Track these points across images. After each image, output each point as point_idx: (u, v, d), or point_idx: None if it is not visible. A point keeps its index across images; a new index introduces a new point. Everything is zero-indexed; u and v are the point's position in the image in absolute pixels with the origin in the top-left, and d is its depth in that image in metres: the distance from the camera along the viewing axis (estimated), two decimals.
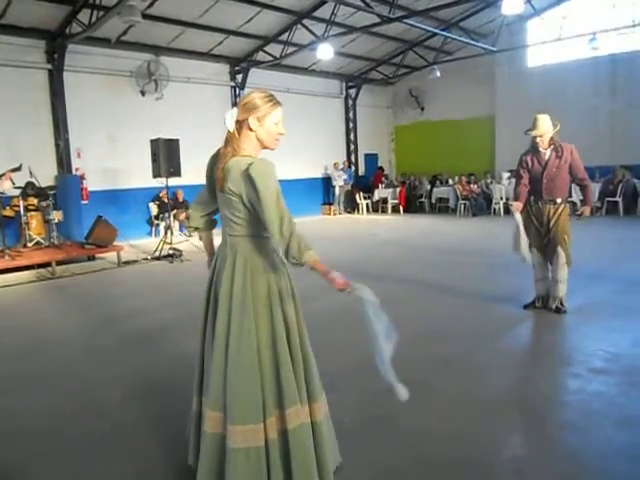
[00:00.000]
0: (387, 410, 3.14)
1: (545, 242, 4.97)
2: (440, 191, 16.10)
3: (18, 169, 8.29)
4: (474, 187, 15.09)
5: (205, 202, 2.48)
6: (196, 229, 2.53)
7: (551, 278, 5.03)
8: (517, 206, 4.96)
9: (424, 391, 3.39)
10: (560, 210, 4.90)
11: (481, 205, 14.87)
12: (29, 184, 9.34)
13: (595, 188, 13.15)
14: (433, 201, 16.33)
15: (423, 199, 16.70)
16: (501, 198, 14.30)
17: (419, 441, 2.88)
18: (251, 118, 2.22)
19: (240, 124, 2.25)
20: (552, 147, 4.90)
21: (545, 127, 4.82)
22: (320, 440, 2.31)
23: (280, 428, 2.23)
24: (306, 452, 2.23)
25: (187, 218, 2.53)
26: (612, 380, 3.55)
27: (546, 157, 4.90)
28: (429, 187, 16.60)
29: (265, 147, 2.30)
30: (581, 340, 4.41)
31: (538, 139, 4.87)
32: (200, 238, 2.59)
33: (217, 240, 2.47)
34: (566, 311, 5.00)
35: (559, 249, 4.87)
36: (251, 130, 2.23)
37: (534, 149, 4.97)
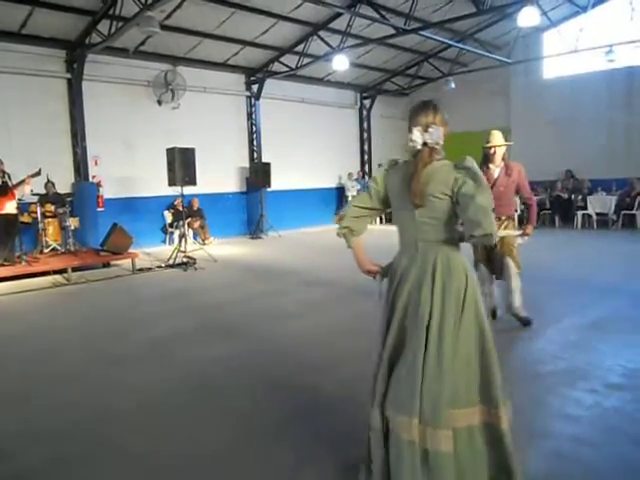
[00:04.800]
0: None
1: (492, 256, 4.98)
2: None
3: (37, 174, 8.42)
4: None
5: (366, 208, 2.56)
6: (351, 232, 2.58)
7: (506, 290, 5.03)
8: None
9: None
10: (505, 225, 4.91)
11: None
12: (49, 183, 9.51)
13: (611, 201, 13.05)
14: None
15: None
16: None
17: None
18: (444, 130, 2.40)
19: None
20: (502, 165, 4.91)
21: (501, 141, 4.87)
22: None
23: (484, 422, 2.30)
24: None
25: (341, 219, 2.58)
26: (629, 396, 3.50)
27: (495, 175, 4.90)
28: None
29: None
30: (596, 355, 4.35)
31: (492, 152, 4.87)
32: (348, 242, 2.62)
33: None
34: (530, 321, 4.99)
35: (507, 259, 4.88)
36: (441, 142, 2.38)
37: (484, 165, 4.93)
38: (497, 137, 4.91)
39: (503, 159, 4.94)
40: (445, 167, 2.32)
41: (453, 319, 2.25)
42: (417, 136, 2.32)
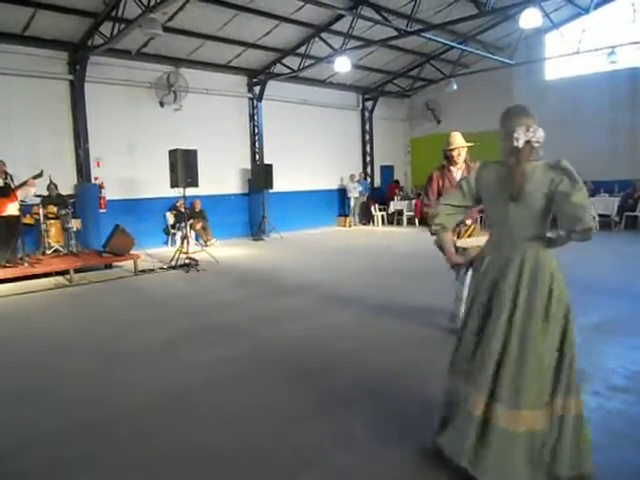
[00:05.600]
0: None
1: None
2: None
3: (40, 175, 8.44)
4: None
5: (458, 206, 2.73)
6: (443, 228, 2.78)
7: (456, 297, 4.90)
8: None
9: None
10: (471, 230, 4.84)
11: None
12: (51, 184, 9.54)
13: (614, 202, 13.02)
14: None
15: None
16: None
17: None
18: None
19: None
20: (464, 167, 4.80)
21: (463, 142, 4.75)
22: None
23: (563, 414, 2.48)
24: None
25: (434, 217, 2.77)
26: (632, 398, 3.49)
27: (457, 177, 4.78)
28: None
29: None
30: (600, 357, 4.33)
31: (457, 154, 4.74)
32: (440, 237, 2.81)
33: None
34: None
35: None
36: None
37: (445, 167, 4.86)
38: (459, 139, 4.78)
39: (465, 161, 4.81)
40: (542, 167, 2.47)
41: (539, 313, 2.43)
42: (520, 134, 2.46)
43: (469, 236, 4.83)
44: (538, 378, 2.43)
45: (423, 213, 5.03)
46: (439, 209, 2.76)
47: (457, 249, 4.80)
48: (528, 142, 2.46)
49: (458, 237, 4.78)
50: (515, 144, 2.47)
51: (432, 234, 2.86)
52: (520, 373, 2.43)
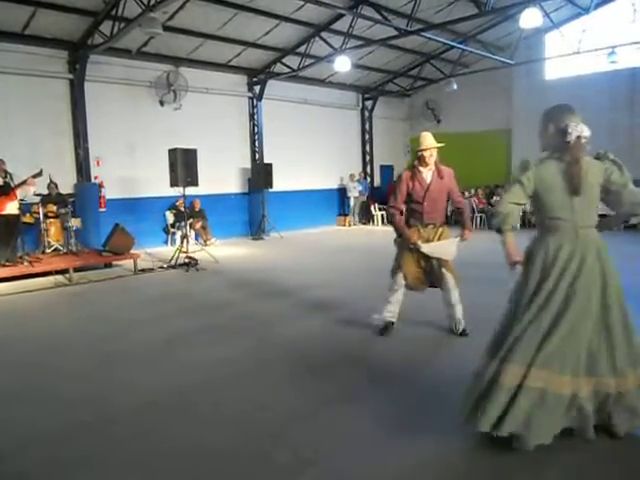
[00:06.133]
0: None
1: (427, 268, 4.78)
2: None
3: (39, 175, 8.42)
4: (496, 198, 15.00)
5: (521, 204, 2.88)
6: (512, 227, 2.92)
7: (445, 302, 4.84)
8: (413, 237, 4.67)
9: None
10: (440, 232, 4.73)
11: None
12: (51, 183, 9.55)
13: None
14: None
15: None
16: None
17: None
18: None
19: None
20: (434, 169, 4.69)
21: (434, 143, 4.63)
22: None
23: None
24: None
25: (507, 216, 2.86)
26: None
27: (428, 179, 4.68)
28: None
29: None
30: None
31: (429, 155, 4.61)
32: (504, 237, 2.93)
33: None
34: (468, 334, 4.80)
35: (444, 271, 4.69)
36: None
37: (416, 168, 4.71)
38: (430, 139, 4.64)
39: (435, 162, 4.68)
40: (593, 160, 2.76)
41: (612, 290, 2.75)
42: (573, 130, 2.68)
43: (439, 239, 4.71)
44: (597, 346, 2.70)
45: (389, 215, 4.93)
46: (510, 208, 2.84)
47: (419, 255, 4.70)
48: (578, 137, 2.68)
49: (427, 241, 4.67)
50: (567, 139, 2.68)
51: (498, 232, 2.93)
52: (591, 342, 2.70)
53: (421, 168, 4.69)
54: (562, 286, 2.70)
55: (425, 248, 4.63)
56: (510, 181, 2.90)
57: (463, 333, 4.84)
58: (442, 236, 4.74)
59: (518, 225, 4.75)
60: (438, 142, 4.70)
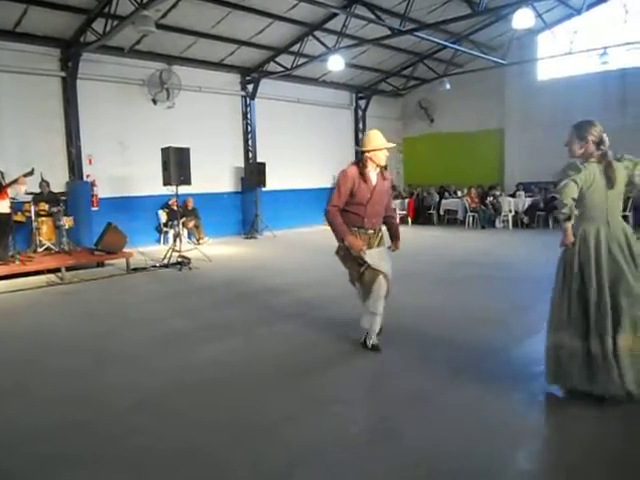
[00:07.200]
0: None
1: (363, 277, 4.36)
2: (448, 203, 16.09)
3: (31, 173, 8.37)
4: (490, 199, 15.05)
5: (575, 199, 3.33)
6: (570, 217, 3.38)
7: (364, 307, 4.45)
8: (357, 245, 4.19)
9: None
10: (379, 239, 4.43)
11: (489, 217, 14.85)
12: (43, 182, 9.50)
13: None
14: (441, 213, 16.31)
15: (432, 210, 16.69)
16: (510, 211, 14.31)
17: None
18: None
19: None
20: (379, 170, 4.38)
21: (386, 143, 4.36)
22: None
23: None
24: None
25: (566, 207, 3.31)
26: None
27: (374, 181, 4.32)
28: (437, 199, 16.60)
29: None
30: None
31: (382, 156, 4.34)
32: (564, 225, 3.40)
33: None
34: (375, 347, 4.40)
35: (379, 280, 4.27)
36: None
37: (363, 165, 4.32)
38: (382, 138, 4.34)
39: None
40: (617, 161, 3.41)
41: (631, 263, 3.32)
42: (606, 140, 3.40)
43: (378, 244, 4.40)
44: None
45: (328, 216, 4.31)
46: (571, 202, 3.32)
47: (364, 263, 4.24)
48: (608, 146, 3.38)
49: (369, 247, 4.30)
50: (603, 148, 3.38)
51: (563, 220, 3.37)
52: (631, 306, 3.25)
53: (369, 167, 4.33)
54: (603, 259, 3.31)
55: (368, 257, 4.26)
56: (563, 180, 3.34)
57: (377, 349, 4.41)
58: (381, 242, 4.45)
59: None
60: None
